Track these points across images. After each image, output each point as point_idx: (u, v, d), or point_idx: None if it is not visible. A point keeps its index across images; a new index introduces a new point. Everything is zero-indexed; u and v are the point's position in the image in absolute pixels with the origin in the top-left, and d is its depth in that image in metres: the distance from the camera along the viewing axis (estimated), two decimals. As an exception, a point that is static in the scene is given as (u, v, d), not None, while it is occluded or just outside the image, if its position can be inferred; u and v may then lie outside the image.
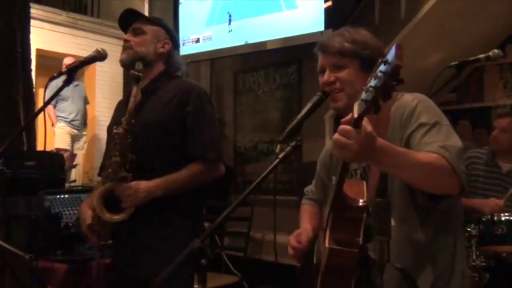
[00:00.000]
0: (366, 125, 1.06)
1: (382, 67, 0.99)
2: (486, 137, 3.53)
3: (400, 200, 1.31)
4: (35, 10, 4.72)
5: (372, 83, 1.00)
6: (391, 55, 0.98)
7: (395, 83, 0.99)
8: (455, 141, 1.25)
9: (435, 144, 1.22)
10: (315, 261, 1.52)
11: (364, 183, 1.34)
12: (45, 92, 1.75)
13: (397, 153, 1.15)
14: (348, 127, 1.06)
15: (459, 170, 1.19)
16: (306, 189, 1.76)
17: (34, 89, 4.08)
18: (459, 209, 1.38)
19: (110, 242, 1.82)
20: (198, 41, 4.60)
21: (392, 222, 1.29)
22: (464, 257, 1.41)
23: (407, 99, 1.35)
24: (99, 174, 2.01)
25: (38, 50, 5.14)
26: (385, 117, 1.34)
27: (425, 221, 1.31)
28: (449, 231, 1.34)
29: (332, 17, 3.64)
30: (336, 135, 1.08)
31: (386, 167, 1.20)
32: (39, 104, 4.14)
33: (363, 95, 1.02)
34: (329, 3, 3.65)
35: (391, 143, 1.16)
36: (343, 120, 1.09)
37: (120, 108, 2.03)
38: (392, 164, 1.16)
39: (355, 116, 1.03)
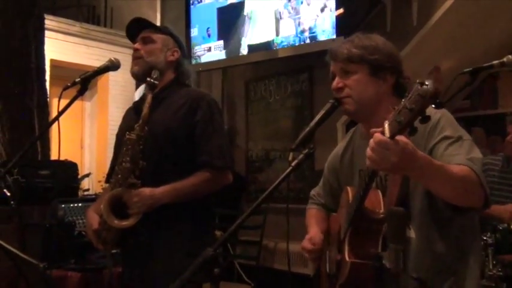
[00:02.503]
0: (401, 138, 1.05)
1: (419, 89, 0.96)
2: (500, 144, 3.48)
3: (420, 211, 1.31)
4: (49, 21, 4.79)
5: (408, 104, 0.98)
6: (429, 79, 0.96)
7: (434, 106, 0.96)
8: (477, 153, 1.26)
9: (460, 156, 1.22)
10: (327, 270, 1.51)
11: (379, 192, 1.33)
12: (59, 101, 1.76)
13: (435, 166, 1.15)
14: (385, 138, 1.04)
15: (485, 183, 1.20)
16: (312, 192, 1.76)
17: (48, 99, 4.14)
18: (476, 219, 1.38)
19: (117, 251, 1.82)
20: (209, 49, 4.62)
21: (412, 234, 1.29)
22: (479, 267, 1.41)
23: (430, 111, 1.35)
24: (107, 182, 2.02)
25: (52, 61, 5.20)
26: None
27: (445, 231, 1.31)
28: (467, 241, 1.33)
29: (343, 25, 3.64)
30: (372, 145, 1.07)
31: (423, 180, 1.20)
32: (53, 113, 4.18)
33: (397, 116, 1.00)
34: (340, 11, 3.65)
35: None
36: (374, 131, 1.08)
37: (129, 115, 2.04)
38: (430, 176, 1.15)
39: (388, 135, 1.02)
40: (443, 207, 1.26)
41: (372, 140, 1.07)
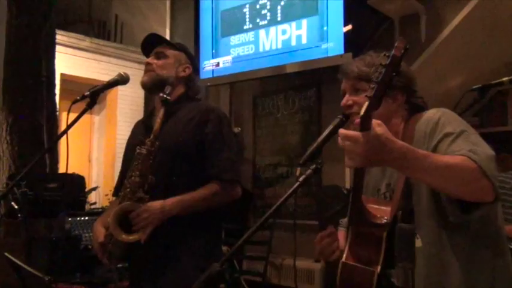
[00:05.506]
0: (376, 126, 1.03)
1: (382, 60, 1.03)
2: (511, 162, 3.44)
3: (427, 219, 1.26)
4: (60, 36, 4.85)
5: (375, 78, 1.02)
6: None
7: (394, 74, 1.02)
8: (486, 147, 1.19)
9: (462, 151, 1.15)
10: None
11: (393, 203, 1.31)
12: (68, 114, 1.77)
13: (419, 155, 1.09)
14: (346, 131, 1.05)
15: (490, 173, 1.12)
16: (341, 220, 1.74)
17: (58, 113, 4.17)
18: (496, 218, 1.30)
19: (122, 265, 1.81)
20: (218, 65, 4.65)
21: (419, 243, 1.24)
22: (508, 269, 1.31)
23: (431, 112, 1.34)
24: (114, 195, 2.02)
25: (62, 75, 5.27)
26: (410, 133, 1.33)
27: (456, 239, 1.24)
28: (485, 245, 1.26)
29: (351, 41, 3.65)
30: (339, 141, 1.07)
31: (409, 172, 1.15)
32: (63, 127, 4.22)
33: (368, 93, 1.03)
34: (349, 27, 3.66)
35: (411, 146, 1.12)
36: (352, 121, 1.09)
37: (138, 129, 2.05)
38: (415, 167, 1.10)
39: (362, 113, 1.02)
40: (450, 208, 1.19)
41: (339, 135, 1.08)
